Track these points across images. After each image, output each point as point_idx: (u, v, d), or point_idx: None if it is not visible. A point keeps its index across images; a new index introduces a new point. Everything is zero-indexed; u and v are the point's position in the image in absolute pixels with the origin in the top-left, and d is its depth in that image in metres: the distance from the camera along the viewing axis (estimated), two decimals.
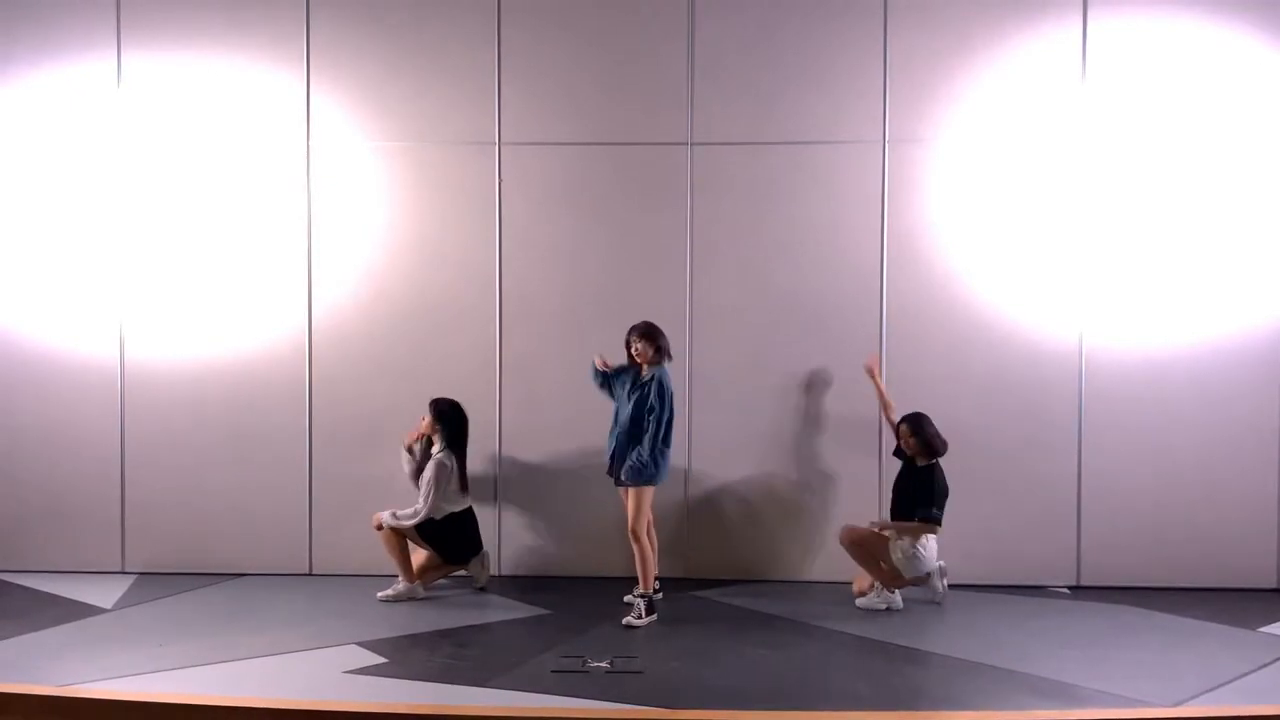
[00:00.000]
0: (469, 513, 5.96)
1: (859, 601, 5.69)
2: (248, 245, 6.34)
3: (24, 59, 6.34)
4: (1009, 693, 4.50)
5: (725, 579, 6.15)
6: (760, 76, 6.22)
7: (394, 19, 6.29)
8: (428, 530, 5.84)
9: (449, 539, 5.89)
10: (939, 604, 5.69)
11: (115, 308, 6.37)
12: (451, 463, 5.86)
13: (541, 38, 6.27)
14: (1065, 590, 6.13)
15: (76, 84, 6.34)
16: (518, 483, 6.22)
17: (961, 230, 6.21)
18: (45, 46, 6.33)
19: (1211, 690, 4.53)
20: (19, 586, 6.06)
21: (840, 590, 5.96)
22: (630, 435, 5.52)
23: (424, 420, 5.90)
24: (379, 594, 5.81)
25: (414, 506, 5.82)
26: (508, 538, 6.30)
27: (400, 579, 5.83)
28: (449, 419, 5.90)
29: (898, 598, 5.65)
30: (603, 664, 4.76)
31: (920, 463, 5.68)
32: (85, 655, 4.89)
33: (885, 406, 5.94)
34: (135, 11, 6.31)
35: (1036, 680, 4.62)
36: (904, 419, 5.73)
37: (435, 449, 5.89)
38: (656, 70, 6.24)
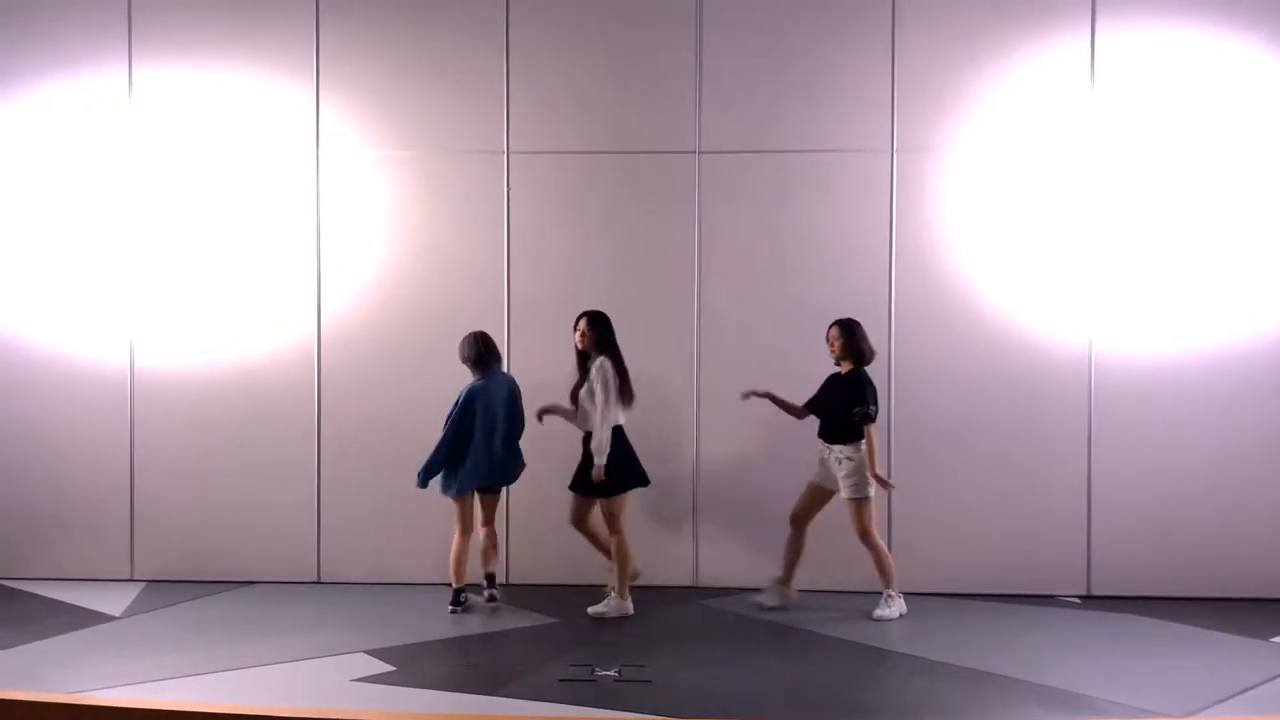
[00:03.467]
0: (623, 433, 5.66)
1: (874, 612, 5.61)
2: (257, 254, 6.37)
3: (36, 71, 6.39)
4: (1018, 702, 4.47)
5: (733, 587, 6.13)
6: (768, 85, 6.23)
7: (402, 29, 6.33)
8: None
9: (613, 464, 5.58)
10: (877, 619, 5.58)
11: (125, 316, 6.40)
12: (610, 368, 5.60)
13: (549, 47, 6.30)
14: (1075, 599, 6.10)
15: (88, 96, 6.39)
16: (526, 490, 6.20)
17: (970, 238, 6.20)
18: (57, 59, 6.38)
19: (1223, 700, 4.50)
20: (29, 594, 6.08)
21: (849, 599, 5.94)
22: None
23: (578, 334, 5.68)
24: (590, 609, 5.66)
25: (596, 438, 5.54)
26: (516, 545, 6.30)
27: (612, 595, 5.68)
28: (601, 324, 5.67)
29: (901, 602, 5.63)
30: (611, 672, 4.75)
31: (845, 369, 5.64)
32: (94, 662, 4.90)
33: (788, 408, 5.82)
34: (146, 24, 6.36)
35: (1046, 690, 4.60)
36: (835, 323, 5.65)
37: (591, 361, 5.64)
38: (664, 79, 6.26)
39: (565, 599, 5.97)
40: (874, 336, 6.16)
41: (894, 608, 5.65)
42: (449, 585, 5.78)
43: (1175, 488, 6.10)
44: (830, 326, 5.71)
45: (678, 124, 6.25)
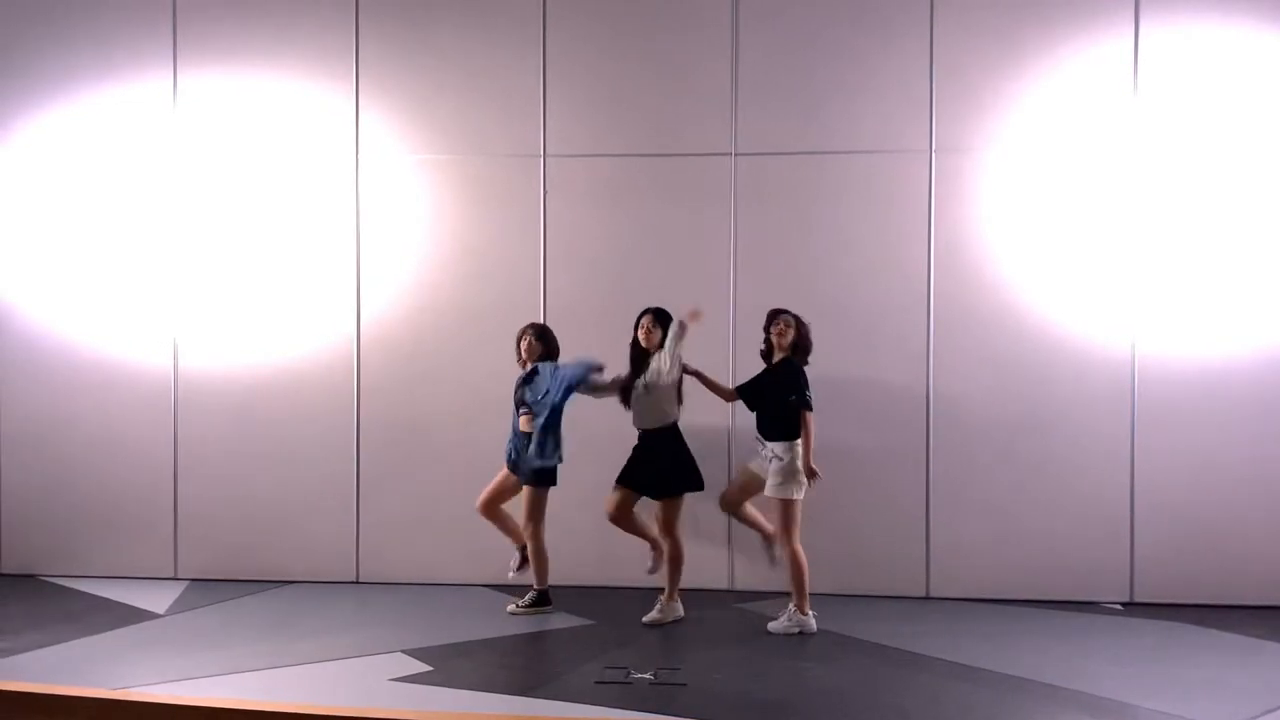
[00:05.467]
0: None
1: (770, 625, 5.47)
2: (298, 257, 6.46)
3: (85, 78, 6.52)
4: (1060, 711, 4.41)
5: (768, 591, 6.10)
6: (805, 86, 6.20)
7: (440, 35, 6.38)
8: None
9: (668, 467, 5.56)
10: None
11: (170, 318, 6.52)
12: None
13: (586, 50, 6.32)
14: (1118, 606, 6.01)
15: (134, 102, 6.51)
16: (562, 491, 6.21)
17: (1010, 239, 6.13)
18: (105, 66, 6.51)
19: (1272, 711, 4.41)
20: (76, 591, 6.20)
21: (885, 604, 5.89)
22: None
23: (642, 331, 5.65)
24: (644, 618, 5.55)
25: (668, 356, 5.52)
26: (551, 547, 6.31)
27: (661, 600, 5.60)
28: (668, 321, 5.65)
29: (811, 621, 5.43)
30: (646, 675, 4.75)
31: (777, 360, 5.53)
32: (139, 659, 4.99)
33: (718, 389, 5.78)
34: (191, 31, 6.47)
35: (1089, 698, 4.53)
36: (783, 314, 5.54)
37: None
38: (700, 81, 6.25)
39: (602, 601, 5.98)
40: (913, 338, 6.14)
41: (794, 622, 5.42)
42: (537, 588, 5.76)
43: (1220, 492, 5.98)
44: (779, 315, 5.54)
45: (714, 126, 6.24)
